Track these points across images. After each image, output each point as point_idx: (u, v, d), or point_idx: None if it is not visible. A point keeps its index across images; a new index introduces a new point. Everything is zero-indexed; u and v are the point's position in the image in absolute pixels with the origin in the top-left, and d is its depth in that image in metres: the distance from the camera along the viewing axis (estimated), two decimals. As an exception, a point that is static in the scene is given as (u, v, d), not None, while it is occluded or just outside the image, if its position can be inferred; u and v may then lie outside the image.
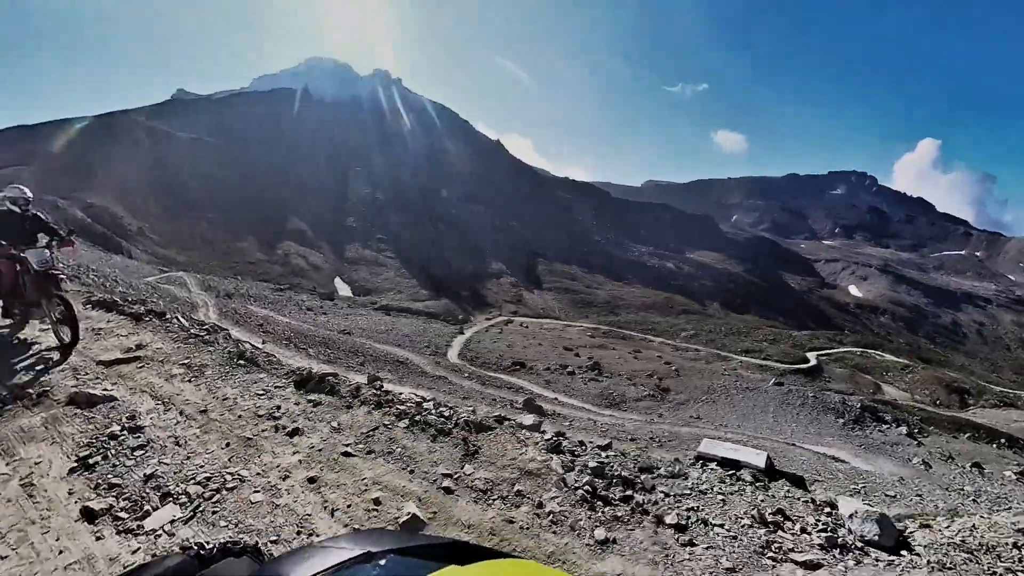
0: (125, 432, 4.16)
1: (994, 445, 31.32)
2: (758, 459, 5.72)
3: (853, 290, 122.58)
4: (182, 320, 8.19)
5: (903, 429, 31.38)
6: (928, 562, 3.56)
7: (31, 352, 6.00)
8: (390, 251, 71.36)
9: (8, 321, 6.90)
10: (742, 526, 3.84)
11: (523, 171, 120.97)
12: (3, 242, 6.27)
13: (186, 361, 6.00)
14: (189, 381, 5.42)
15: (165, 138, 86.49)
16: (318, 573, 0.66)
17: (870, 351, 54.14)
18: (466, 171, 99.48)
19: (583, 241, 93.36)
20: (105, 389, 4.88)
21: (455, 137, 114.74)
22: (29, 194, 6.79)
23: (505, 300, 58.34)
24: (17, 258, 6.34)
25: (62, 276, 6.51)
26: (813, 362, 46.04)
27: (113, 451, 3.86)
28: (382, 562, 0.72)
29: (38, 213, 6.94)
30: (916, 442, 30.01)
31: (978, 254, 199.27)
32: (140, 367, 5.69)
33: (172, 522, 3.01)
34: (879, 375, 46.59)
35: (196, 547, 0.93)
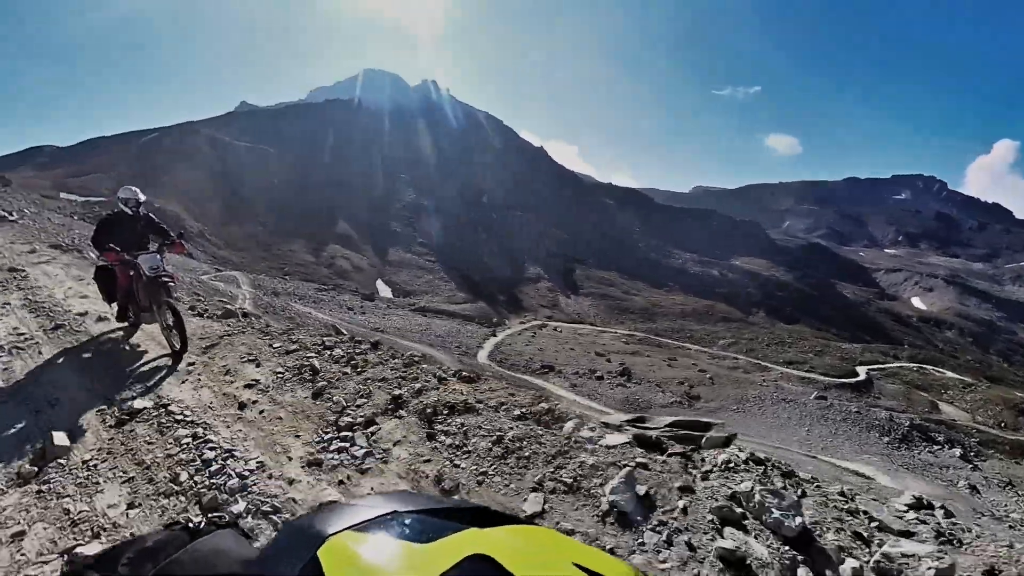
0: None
1: (1065, 474, 28.95)
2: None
3: (916, 302, 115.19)
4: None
5: (957, 451, 29.41)
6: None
7: (143, 360, 6.01)
8: (431, 255, 73.03)
9: (122, 324, 6.90)
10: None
11: (566, 177, 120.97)
12: (116, 247, 6.11)
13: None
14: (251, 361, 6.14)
15: (225, 147, 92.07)
16: (346, 528, 0.69)
17: (928, 367, 50.78)
18: (509, 177, 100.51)
19: (625, 247, 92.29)
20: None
21: (499, 144, 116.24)
22: (141, 196, 6.67)
23: (541, 305, 58.50)
24: (131, 263, 6.25)
25: (172, 282, 6.28)
26: (863, 376, 43.72)
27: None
28: (407, 521, 0.74)
29: (150, 215, 6.84)
30: (971, 465, 28.12)
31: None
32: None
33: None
34: (937, 393, 43.62)
35: (184, 521, 0.95)
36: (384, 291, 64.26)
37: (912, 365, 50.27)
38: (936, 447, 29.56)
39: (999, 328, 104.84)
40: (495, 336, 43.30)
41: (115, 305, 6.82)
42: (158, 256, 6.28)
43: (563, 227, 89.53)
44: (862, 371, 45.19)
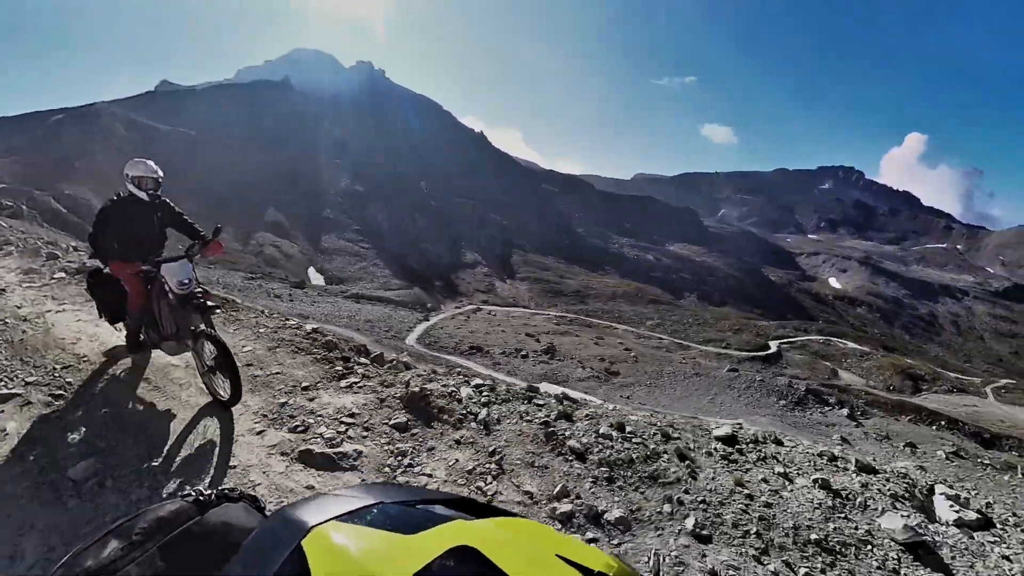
0: None
1: (934, 427, 32.34)
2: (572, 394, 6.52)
3: (833, 282, 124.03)
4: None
5: (844, 411, 32.34)
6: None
7: (177, 427, 4.00)
8: (365, 242, 71.71)
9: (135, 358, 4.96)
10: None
11: (507, 163, 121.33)
12: (127, 251, 4.51)
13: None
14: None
15: (145, 130, 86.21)
16: (331, 518, 0.69)
17: (833, 339, 55.24)
18: (448, 163, 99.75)
19: (565, 233, 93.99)
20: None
21: (437, 129, 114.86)
22: (159, 172, 4.73)
23: (478, 290, 58.93)
24: (148, 275, 4.48)
25: (212, 303, 4.44)
26: (773, 350, 47.04)
27: None
28: (392, 512, 0.74)
29: (168, 201, 4.88)
30: (856, 423, 31.00)
31: (959, 247, 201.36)
32: None
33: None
34: (838, 362, 47.65)
35: (195, 493, 0.97)
36: (316, 279, 62.74)
37: (819, 338, 54.55)
38: (827, 408, 32.40)
39: (904, 304, 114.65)
40: (427, 321, 43.41)
41: (120, 327, 5.04)
42: (188, 263, 4.46)
43: (504, 213, 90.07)
44: (774, 345, 48.64)
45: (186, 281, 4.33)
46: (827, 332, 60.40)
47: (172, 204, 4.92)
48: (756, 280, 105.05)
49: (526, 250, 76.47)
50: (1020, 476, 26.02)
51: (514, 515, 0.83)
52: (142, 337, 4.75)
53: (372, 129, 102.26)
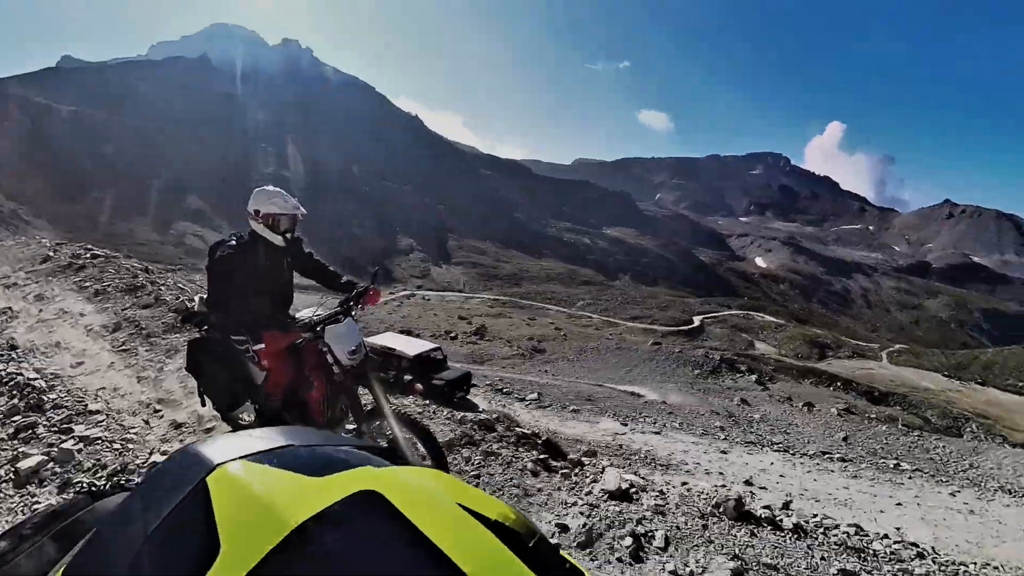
0: None
1: (831, 388, 35.12)
2: (409, 350, 6.14)
3: (759, 261, 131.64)
4: None
5: (754, 377, 34.62)
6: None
7: None
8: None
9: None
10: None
11: (444, 148, 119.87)
12: (272, 318, 3.33)
13: None
14: None
15: (43, 110, 78.73)
16: (238, 457, 0.68)
17: (753, 313, 58.73)
18: (381, 147, 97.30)
19: (503, 217, 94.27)
20: None
21: (370, 112, 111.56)
22: (301, 208, 3.48)
23: (412, 275, 58.30)
24: (306, 344, 3.23)
25: (417, 382, 3.73)
26: (696, 324, 49.48)
27: None
28: (302, 454, 0.73)
29: (302, 238, 3.65)
30: (763, 387, 33.21)
31: (871, 228, 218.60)
32: None
33: None
34: (755, 334, 50.74)
35: (88, 485, 0.89)
36: (244, 269, 60.13)
37: (740, 313, 57.81)
38: (738, 375, 34.50)
39: (821, 280, 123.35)
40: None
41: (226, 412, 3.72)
42: (354, 324, 3.32)
43: (441, 198, 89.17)
44: (697, 320, 51.13)
45: (357, 350, 3.19)
46: (748, 307, 64.09)
47: (302, 239, 3.61)
48: (688, 261, 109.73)
49: (462, 235, 76.23)
50: (900, 426, 28.86)
51: (426, 467, 0.84)
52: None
53: (299, 111, 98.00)
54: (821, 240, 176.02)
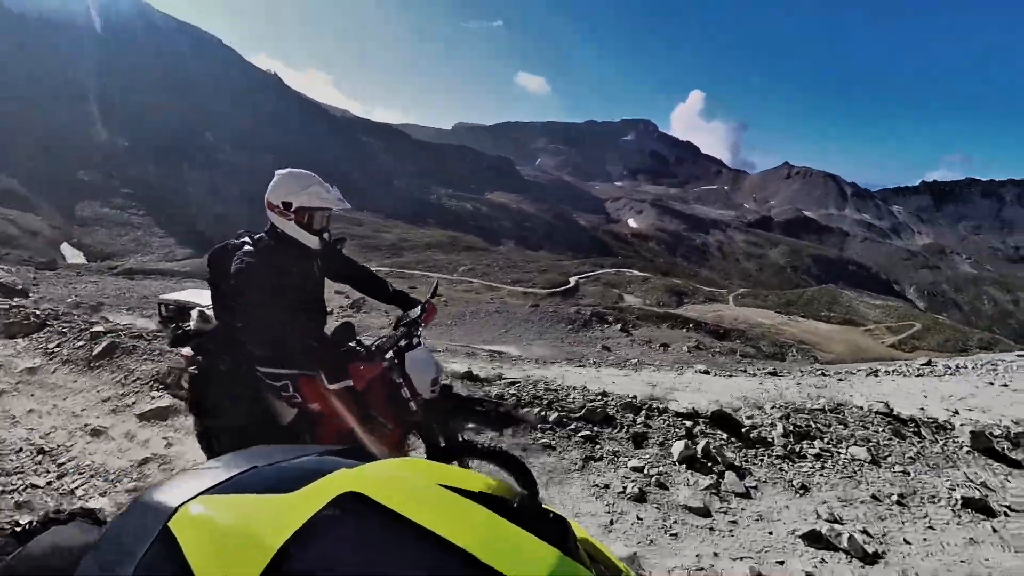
0: None
1: (685, 329, 39.09)
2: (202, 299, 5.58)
3: (631, 223, 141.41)
4: None
5: (619, 326, 37.55)
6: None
7: None
8: (138, 207, 60.72)
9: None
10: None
11: (313, 110, 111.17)
12: (354, 343, 2.54)
13: None
14: None
15: None
16: (199, 493, 0.64)
17: (623, 270, 63.36)
18: (238, 110, 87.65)
19: (382, 185, 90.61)
20: None
21: (220, 70, 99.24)
22: (346, 203, 2.65)
23: (283, 251, 54.37)
24: (381, 374, 2.55)
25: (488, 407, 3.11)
26: (572, 284, 52.26)
27: None
28: (269, 473, 0.71)
29: (343, 237, 2.92)
30: (627, 334, 36.15)
31: (726, 188, 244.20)
32: None
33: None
34: (624, 288, 54.93)
35: (11, 525, 0.83)
36: (73, 256, 51.80)
37: (612, 270, 62.09)
38: (606, 325, 37.19)
39: (684, 237, 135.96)
40: (216, 288, 38.87)
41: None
42: (430, 352, 2.68)
43: (312, 166, 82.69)
44: (573, 280, 54.02)
45: (436, 377, 2.56)
46: (620, 265, 68.83)
47: (344, 243, 2.88)
48: (569, 225, 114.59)
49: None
50: (737, 356, 33.10)
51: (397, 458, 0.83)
52: None
53: (133, 68, 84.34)
54: (684, 200, 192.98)
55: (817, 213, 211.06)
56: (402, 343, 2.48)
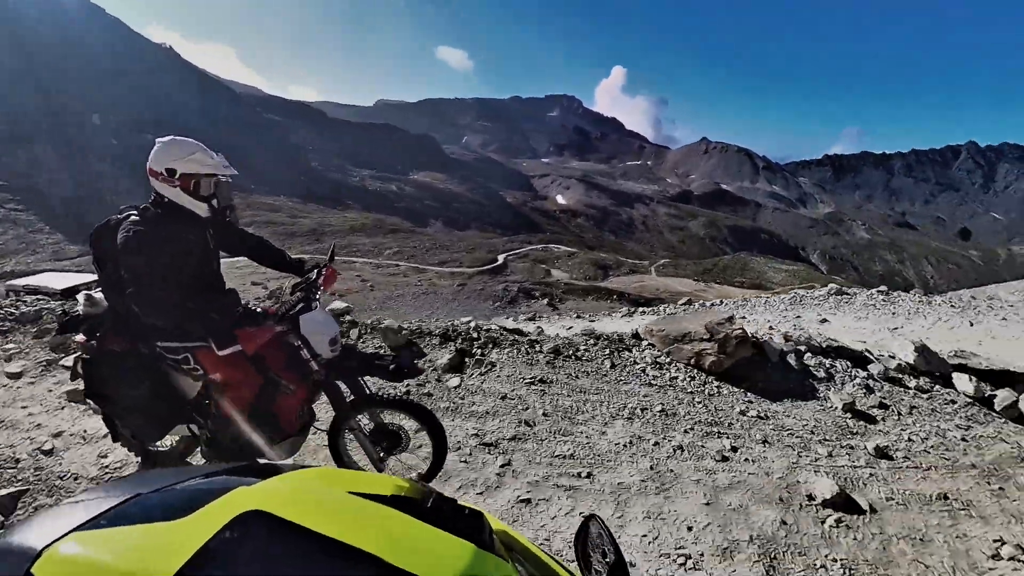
0: None
1: (609, 300, 40.35)
2: (59, 283, 5.08)
3: (559, 199, 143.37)
4: None
5: (546, 300, 38.15)
6: None
7: None
8: (17, 202, 53.83)
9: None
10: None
11: (215, 87, 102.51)
12: (237, 306, 2.39)
13: None
14: None
15: None
16: (70, 531, 0.57)
17: (551, 246, 64.33)
18: (128, 88, 79.12)
19: (298, 167, 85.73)
20: None
21: (103, 42, 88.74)
22: (232, 169, 2.43)
23: (189, 241, 50.35)
24: (274, 336, 2.44)
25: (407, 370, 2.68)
26: (500, 262, 52.39)
27: None
28: (154, 501, 0.65)
29: (233, 205, 2.54)
30: (553, 308, 36.83)
31: (649, 163, 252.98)
32: None
33: None
34: (552, 263, 55.86)
35: None
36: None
37: (540, 247, 62.87)
38: (533, 300, 37.67)
39: (610, 212, 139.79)
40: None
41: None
42: (326, 310, 2.87)
43: (220, 148, 76.90)
44: (502, 258, 54.18)
45: (335, 338, 2.55)
46: (548, 241, 69.74)
47: (236, 211, 2.66)
48: (496, 203, 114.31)
49: (249, 191, 67.65)
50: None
51: (304, 467, 0.79)
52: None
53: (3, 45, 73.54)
54: (611, 176, 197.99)
55: (733, 186, 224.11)
56: (300, 307, 2.52)
